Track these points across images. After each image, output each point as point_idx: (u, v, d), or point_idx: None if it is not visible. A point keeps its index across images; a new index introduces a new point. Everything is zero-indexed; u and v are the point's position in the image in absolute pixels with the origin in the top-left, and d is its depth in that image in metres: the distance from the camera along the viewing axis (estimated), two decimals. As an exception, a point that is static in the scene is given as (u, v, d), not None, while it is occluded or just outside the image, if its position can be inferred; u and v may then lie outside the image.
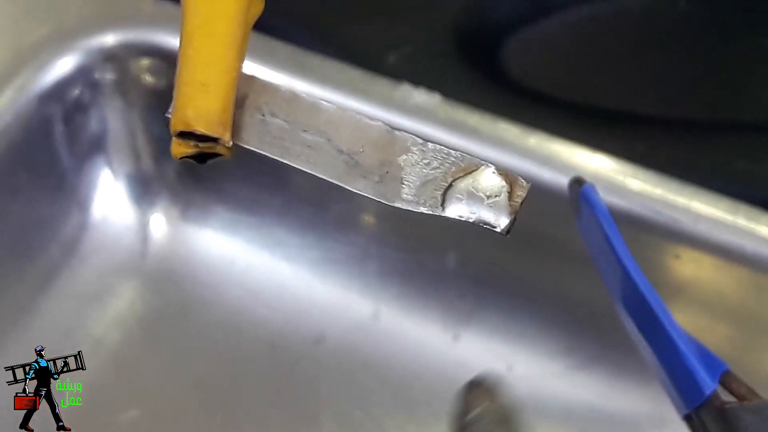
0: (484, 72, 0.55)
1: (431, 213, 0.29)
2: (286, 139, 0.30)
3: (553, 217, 0.46)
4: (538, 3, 0.54)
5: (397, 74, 0.51)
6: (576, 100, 0.55)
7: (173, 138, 0.30)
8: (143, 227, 0.58)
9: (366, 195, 0.30)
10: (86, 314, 0.55)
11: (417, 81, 0.51)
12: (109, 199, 0.57)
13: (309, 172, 0.30)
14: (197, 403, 0.54)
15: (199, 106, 0.29)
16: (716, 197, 0.49)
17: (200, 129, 0.29)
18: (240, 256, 0.58)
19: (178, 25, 0.30)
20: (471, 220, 0.29)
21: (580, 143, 0.50)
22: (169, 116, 0.29)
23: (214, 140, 0.29)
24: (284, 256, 0.58)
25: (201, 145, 0.30)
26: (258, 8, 0.31)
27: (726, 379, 0.31)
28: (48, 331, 0.54)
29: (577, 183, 0.36)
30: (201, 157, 0.30)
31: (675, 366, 0.32)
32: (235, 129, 0.30)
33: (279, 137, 0.30)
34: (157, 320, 0.56)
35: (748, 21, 0.53)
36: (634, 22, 0.54)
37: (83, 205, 0.56)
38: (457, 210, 0.29)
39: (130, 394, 0.54)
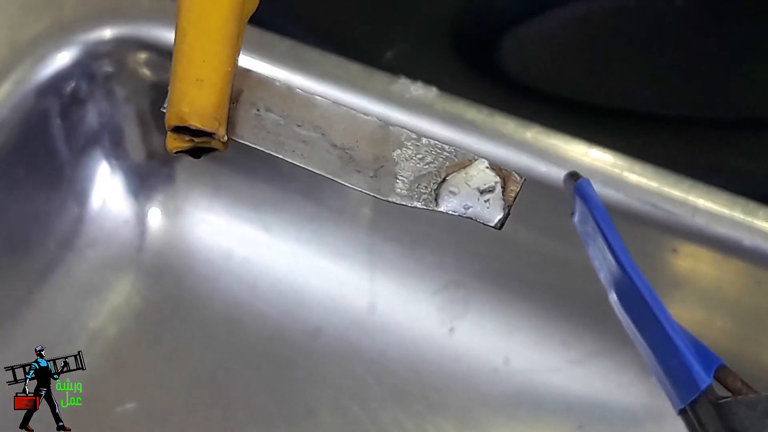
0: (481, 68, 0.55)
1: (425, 208, 0.30)
2: (280, 134, 0.30)
3: (549, 210, 0.46)
4: (535, -2, 0.55)
5: (394, 70, 0.51)
6: (573, 96, 0.55)
7: (168, 132, 0.30)
8: (140, 221, 0.58)
9: (360, 190, 0.30)
10: (83, 308, 0.55)
11: (414, 76, 0.51)
12: (107, 192, 0.57)
13: (303, 167, 0.30)
14: (195, 396, 0.54)
15: (194, 101, 0.29)
16: (714, 190, 0.49)
17: (195, 124, 0.29)
18: (237, 249, 0.58)
19: (175, 19, 0.30)
20: (465, 215, 0.29)
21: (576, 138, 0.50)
22: (165, 111, 0.29)
23: (209, 135, 0.29)
24: (282, 249, 0.58)
25: (196, 139, 0.30)
26: (253, 4, 0.31)
27: (721, 373, 0.31)
28: (45, 324, 0.54)
29: (572, 178, 0.36)
30: (196, 152, 0.31)
31: (670, 361, 0.32)
32: (230, 124, 0.30)
33: (274, 132, 0.30)
34: (154, 314, 0.56)
35: (744, 18, 0.53)
36: (631, 18, 0.54)
37: (80, 199, 0.56)
38: (450, 205, 0.29)
39: (127, 387, 0.54)
